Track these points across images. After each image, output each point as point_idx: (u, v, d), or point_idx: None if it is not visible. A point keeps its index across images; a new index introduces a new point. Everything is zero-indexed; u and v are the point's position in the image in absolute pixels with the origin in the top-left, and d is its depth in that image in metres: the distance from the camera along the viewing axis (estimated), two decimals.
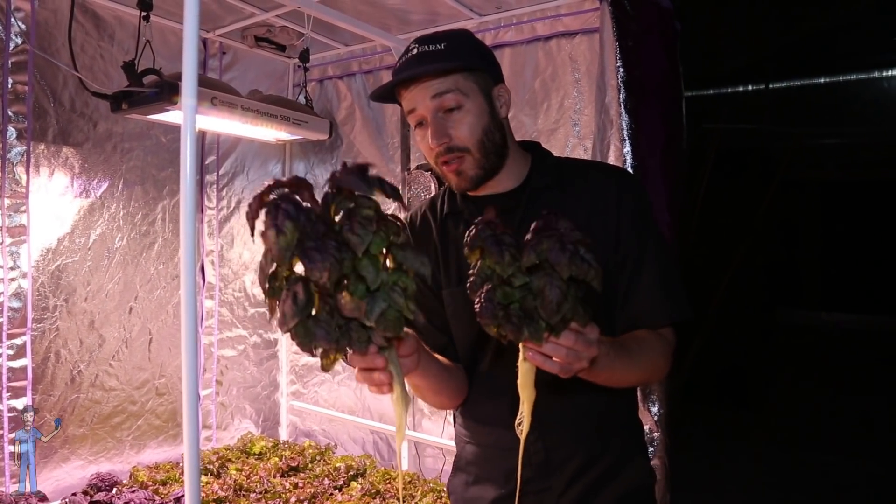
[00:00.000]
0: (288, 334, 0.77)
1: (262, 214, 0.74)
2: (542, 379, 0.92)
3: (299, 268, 0.75)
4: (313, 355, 0.81)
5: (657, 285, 1.18)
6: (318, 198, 0.78)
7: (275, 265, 0.76)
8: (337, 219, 0.77)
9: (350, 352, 0.86)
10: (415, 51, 1.17)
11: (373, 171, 0.79)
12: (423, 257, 0.81)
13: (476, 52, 1.22)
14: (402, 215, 0.93)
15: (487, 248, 0.82)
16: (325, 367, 0.83)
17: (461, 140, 1.17)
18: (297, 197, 0.76)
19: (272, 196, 0.75)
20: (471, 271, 0.86)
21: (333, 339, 0.77)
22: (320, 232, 0.74)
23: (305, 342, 0.77)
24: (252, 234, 0.77)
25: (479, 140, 1.18)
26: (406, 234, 0.81)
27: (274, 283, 0.77)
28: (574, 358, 0.87)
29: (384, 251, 0.78)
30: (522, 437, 0.94)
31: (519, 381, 0.93)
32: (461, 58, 1.17)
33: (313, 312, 0.78)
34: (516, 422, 0.94)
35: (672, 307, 1.19)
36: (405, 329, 0.83)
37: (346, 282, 0.77)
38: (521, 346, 0.89)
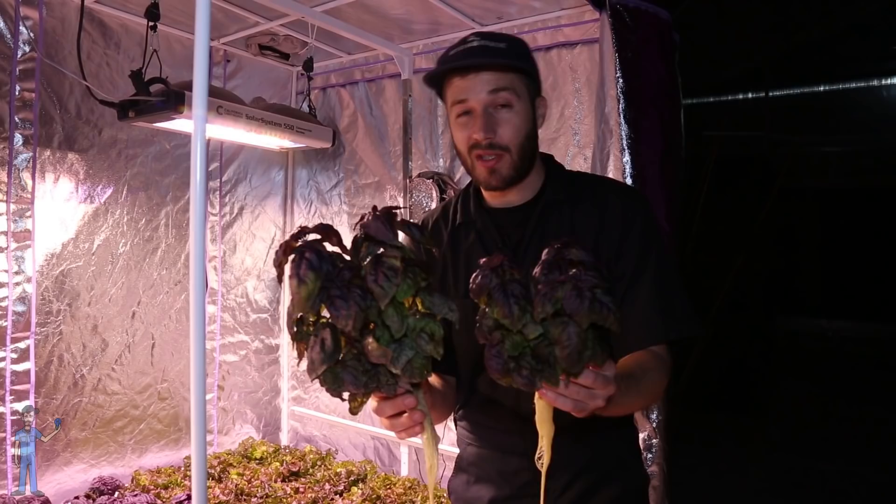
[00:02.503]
0: (311, 372, 0.77)
1: (289, 262, 0.76)
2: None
3: (326, 312, 0.76)
4: (342, 400, 0.81)
5: (653, 303, 1.17)
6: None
7: (299, 316, 0.77)
8: (365, 263, 0.78)
9: (377, 401, 0.87)
10: (475, 43, 1.17)
11: (399, 215, 0.80)
12: (451, 303, 0.81)
13: (531, 60, 1.24)
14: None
15: (494, 298, 0.79)
16: (354, 411, 0.83)
17: (506, 138, 1.18)
18: (325, 243, 0.77)
19: (298, 243, 0.76)
20: (478, 317, 0.83)
21: (361, 384, 0.78)
22: (346, 279, 0.75)
23: (334, 388, 0.77)
24: (279, 281, 0.78)
25: (521, 143, 1.19)
26: (434, 277, 0.81)
27: (301, 327, 0.78)
28: (589, 397, 0.83)
29: (412, 297, 0.79)
30: (543, 471, 0.92)
31: (536, 418, 0.90)
32: (523, 60, 1.19)
33: (341, 357, 0.78)
34: (536, 456, 0.92)
35: (667, 325, 1.18)
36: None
37: (372, 327, 0.77)
38: None
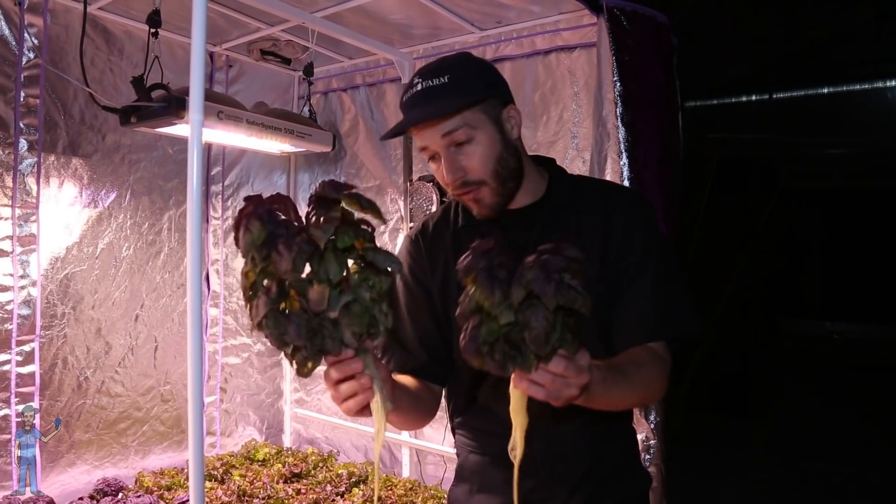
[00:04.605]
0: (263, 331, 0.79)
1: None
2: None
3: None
4: (287, 354, 0.81)
5: (651, 301, 1.17)
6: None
7: (254, 276, 0.78)
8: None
9: (326, 364, 0.86)
10: (419, 86, 1.15)
11: (353, 190, 0.81)
12: (395, 257, 0.81)
13: (481, 80, 1.19)
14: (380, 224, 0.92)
15: (479, 281, 0.79)
16: (302, 373, 0.82)
17: (475, 173, 1.16)
18: (280, 211, 0.79)
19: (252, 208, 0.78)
20: (461, 298, 0.83)
21: (304, 336, 0.78)
22: (293, 232, 0.77)
23: (276, 333, 0.78)
24: (237, 245, 0.79)
25: (494, 170, 1.17)
26: (373, 241, 0.81)
27: (253, 289, 0.80)
28: (563, 385, 0.83)
29: (358, 252, 0.80)
30: (516, 463, 0.91)
31: (511, 408, 0.89)
32: (466, 92, 1.15)
33: (289, 311, 0.79)
34: (509, 447, 0.91)
35: (664, 323, 1.18)
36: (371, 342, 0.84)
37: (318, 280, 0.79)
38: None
